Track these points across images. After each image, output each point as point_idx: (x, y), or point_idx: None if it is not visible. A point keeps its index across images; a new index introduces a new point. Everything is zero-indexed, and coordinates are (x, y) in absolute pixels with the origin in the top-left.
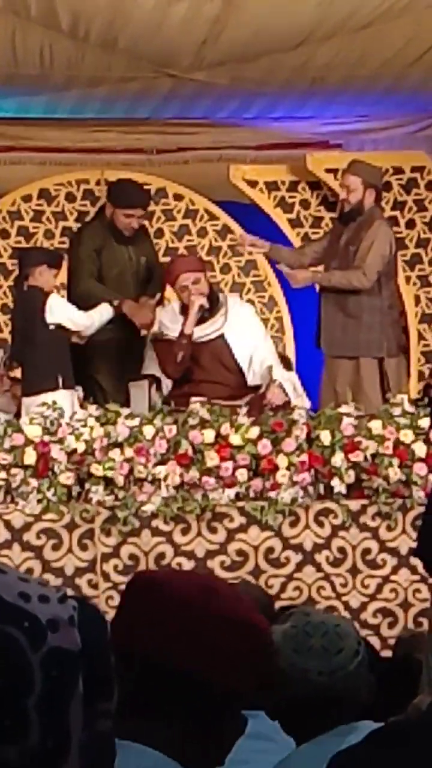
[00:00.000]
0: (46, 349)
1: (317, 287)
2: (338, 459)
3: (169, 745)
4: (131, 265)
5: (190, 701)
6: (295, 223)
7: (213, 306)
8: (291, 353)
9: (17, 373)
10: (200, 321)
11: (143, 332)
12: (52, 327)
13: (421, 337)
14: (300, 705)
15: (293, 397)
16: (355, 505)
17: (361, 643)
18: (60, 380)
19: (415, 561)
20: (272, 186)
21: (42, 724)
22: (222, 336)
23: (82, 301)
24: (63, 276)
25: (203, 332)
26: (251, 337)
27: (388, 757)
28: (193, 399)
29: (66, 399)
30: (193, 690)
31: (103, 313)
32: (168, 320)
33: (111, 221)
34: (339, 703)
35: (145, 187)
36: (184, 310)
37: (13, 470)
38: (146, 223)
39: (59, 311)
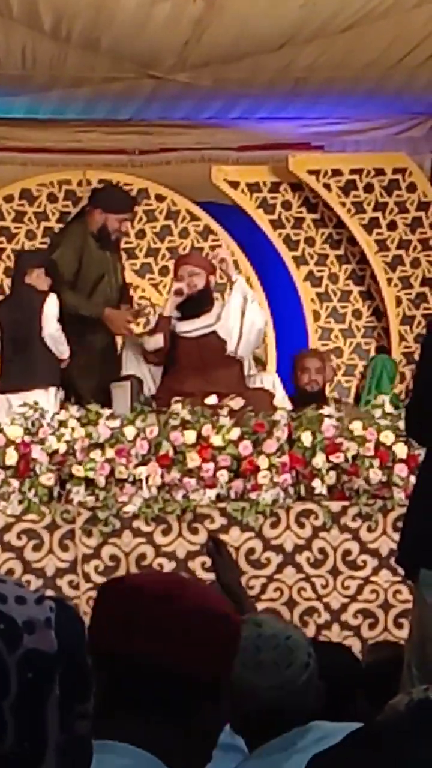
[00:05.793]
0: (32, 346)
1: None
2: (319, 460)
3: (150, 742)
4: (113, 271)
5: (166, 694)
6: (276, 225)
7: (205, 303)
8: (272, 354)
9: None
10: (192, 316)
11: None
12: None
13: (402, 338)
14: (248, 718)
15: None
16: (336, 506)
17: (311, 654)
18: (40, 379)
19: None
20: (254, 187)
21: (18, 726)
22: (214, 333)
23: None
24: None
25: (192, 326)
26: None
27: (366, 758)
28: (174, 398)
29: (47, 399)
30: (168, 683)
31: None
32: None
33: (103, 226)
34: (287, 715)
35: (127, 187)
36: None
37: None
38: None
39: (46, 313)
